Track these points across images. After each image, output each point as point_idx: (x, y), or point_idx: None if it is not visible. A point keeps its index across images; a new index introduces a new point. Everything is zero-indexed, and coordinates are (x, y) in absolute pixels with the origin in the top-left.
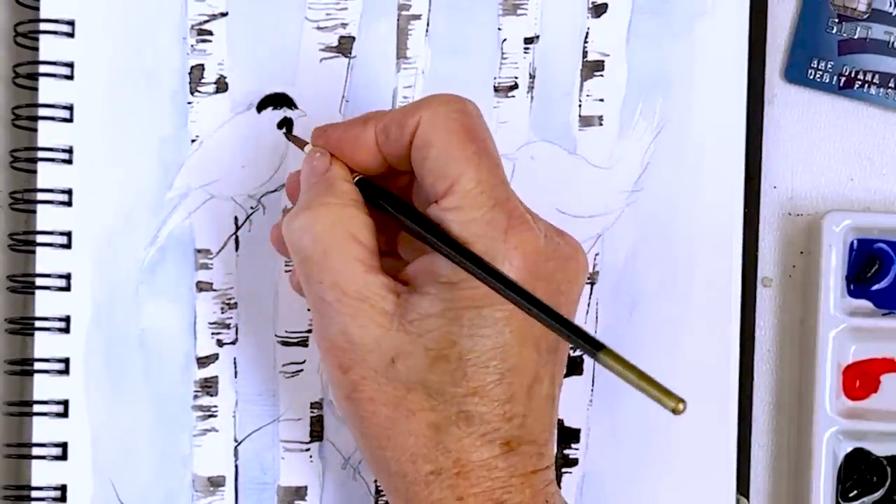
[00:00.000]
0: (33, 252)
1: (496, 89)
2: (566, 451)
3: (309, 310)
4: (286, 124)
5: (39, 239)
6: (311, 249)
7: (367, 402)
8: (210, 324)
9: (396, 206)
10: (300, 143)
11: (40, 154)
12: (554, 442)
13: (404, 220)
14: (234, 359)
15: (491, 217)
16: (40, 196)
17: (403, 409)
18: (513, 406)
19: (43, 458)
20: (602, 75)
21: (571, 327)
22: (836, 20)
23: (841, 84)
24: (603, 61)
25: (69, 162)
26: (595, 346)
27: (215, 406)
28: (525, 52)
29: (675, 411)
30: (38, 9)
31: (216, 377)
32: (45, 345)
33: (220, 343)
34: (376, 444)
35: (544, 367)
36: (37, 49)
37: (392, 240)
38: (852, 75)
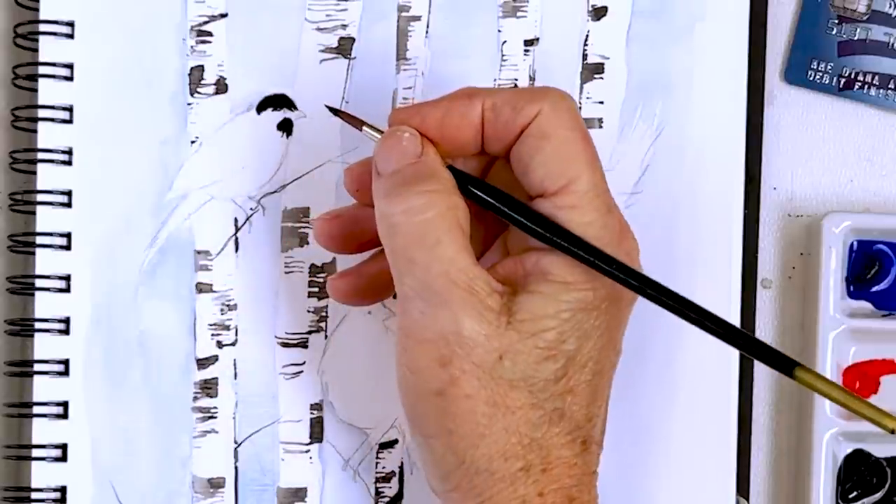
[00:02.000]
0: (33, 253)
1: None
2: None
3: (311, 311)
4: (286, 125)
5: (39, 240)
6: (422, 234)
7: (463, 398)
8: (210, 325)
9: (503, 199)
10: (356, 122)
11: (40, 155)
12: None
13: (514, 214)
14: (234, 360)
15: (606, 222)
16: (40, 197)
17: (503, 407)
18: (593, 407)
19: (43, 459)
20: (602, 78)
21: (762, 346)
22: (836, 21)
23: (841, 85)
24: (603, 64)
25: (69, 163)
26: (789, 364)
27: (215, 407)
28: (525, 55)
29: (894, 431)
30: (37, 10)
31: (216, 378)
32: (44, 346)
33: (219, 344)
34: (468, 443)
35: (612, 369)
36: (36, 50)
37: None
38: (852, 76)
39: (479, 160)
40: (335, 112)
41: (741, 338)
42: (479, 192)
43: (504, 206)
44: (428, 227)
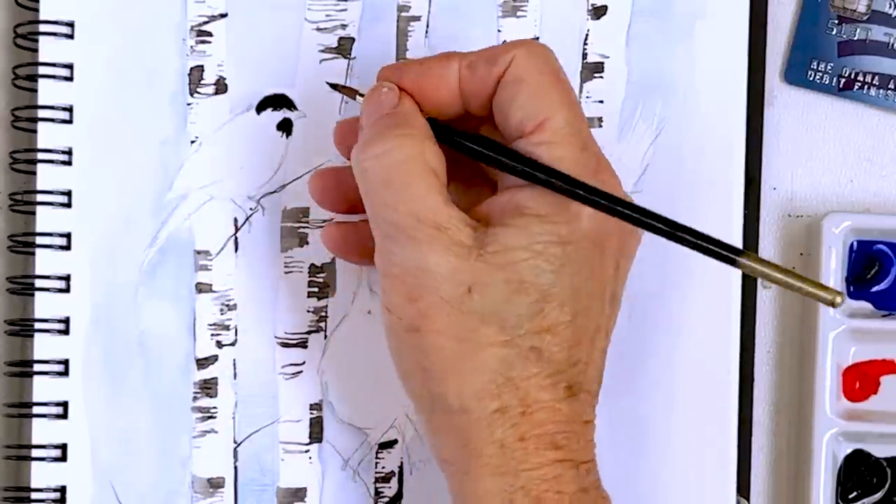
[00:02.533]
0: (33, 253)
1: None
2: None
3: (311, 311)
4: (286, 125)
5: (39, 240)
6: (390, 176)
7: (433, 333)
8: (209, 325)
9: (479, 141)
10: (350, 93)
11: (40, 155)
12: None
13: (491, 154)
14: (234, 360)
15: (580, 157)
16: (40, 197)
17: (473, 342)
18: (578, 351)
19: (42, 459)
20: (602, 77)
21: (704, 237)
22: (836, 21)
23: (841, 85)
24: (602, 63)
25: (69, 163)
26: (733, 252)
27: (215, 407)
28: None
29: (833, 304)
30: (37, 10)
31: (216, 378)
32: (44, 346)
33: (219, 344)
34: (438, 380)
35: (606, 319)
36: (36, 50)
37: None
38: (852, 77)
39: (465, 124)
40: (333, 86)
41: (688, 233)
42: (454, 138)
43: (478, 146)
44: (398, 168)
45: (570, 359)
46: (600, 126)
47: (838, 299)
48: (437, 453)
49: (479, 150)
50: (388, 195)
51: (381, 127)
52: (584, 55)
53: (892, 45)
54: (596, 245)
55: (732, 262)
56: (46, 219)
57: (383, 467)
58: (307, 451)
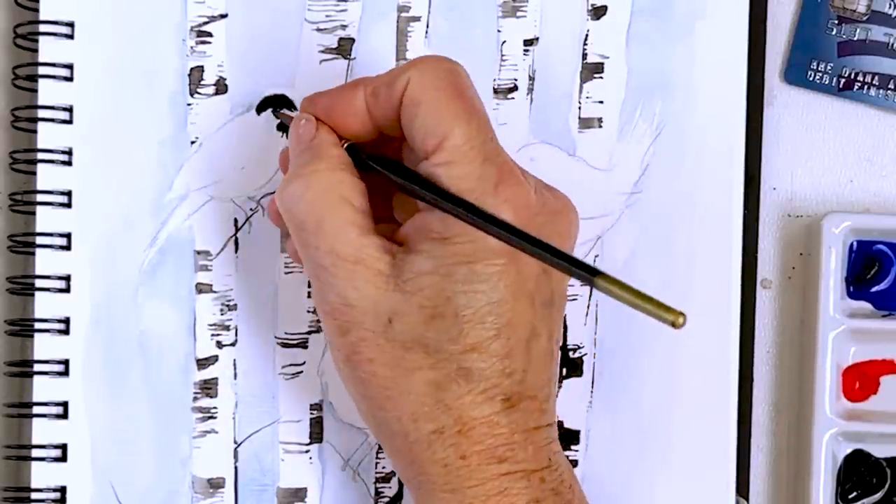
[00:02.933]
0: (33, 254)
1: (496, 91)
2: (566, 453)
3: (311, 311)
4: (286, 126)
5: (39, 240)
6: (304, 216)
7: (366, 363)
8: (210, 325)
9: (386, 165)
10: (290, 120)
11: (40, 155)
12: (554, 399)
13: (394, 177)
14: (234, 360)
15: (481, 172)
16: (40, 198)
17: (402, 369)
18: (511, 361)
19: (42, 459)
20: (602, 77)
21: (565, 256)
22: (836, 22)
23: (840, 85)
24: (602, 63)
25: (69, 163)
26: (590, 273)
27: (215, 408)
28: (525, 54)
29: (675, 325)
30: (37, 10)
31: (216, 379)
32: (44, 346)
33: (219, 345)
34: (377, 406)
35: (541, 322)
36: (36, 50)
37: (387, 205)
38: (852, 77)
39: (388, 145)
40: (276, 114)
41: (550, 251)
42: (369, 162)
43: (386, 170)
44: (310, 208)
45: (504, 371)
46: (600, 126)
47: (680, 320)
48: (396, 472)
49: (385, 173)
50: (308, 236)
51: (297, 165)
52: (584, 55)
53: (892, 45)
54: (509, 257)
55: (591, 283)
56: (46, 219)
57: (383, 467)
58: (307, 452)
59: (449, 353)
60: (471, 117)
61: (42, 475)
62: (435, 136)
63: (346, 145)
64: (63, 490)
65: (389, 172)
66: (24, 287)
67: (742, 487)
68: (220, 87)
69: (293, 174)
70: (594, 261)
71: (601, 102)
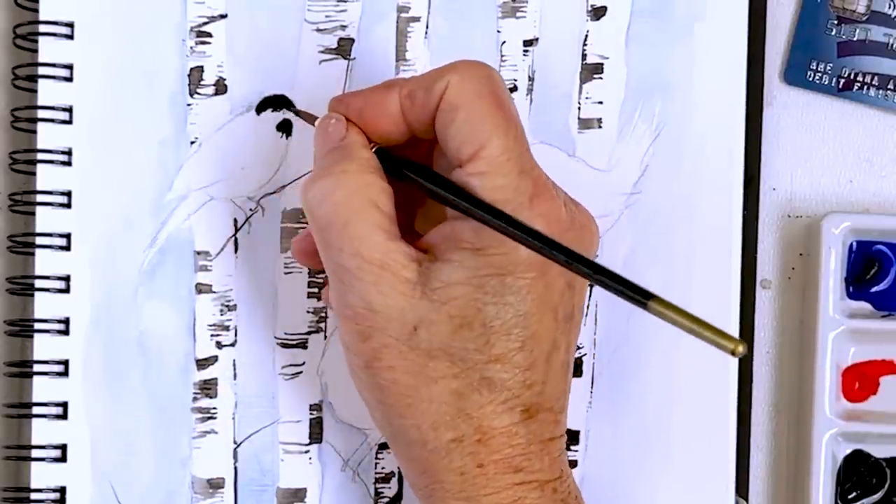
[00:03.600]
0: (32, 254)
1: None
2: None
3: (311, 311)
4: (285, 126)
5: (39, 241)
6: (331, 217)
7: (387, 370)
8: (209, 326)
9: (419, 172)
10: (310, 119)
11: (39, 156)
12: (567, 411)
13: (428, 185)
14: (234, 361)
15: (517, 184)
16: (39, 198)
17: (425, 377)
18: (533, 373)
19: (42, 459)
20: (601, 78)
21: (618, 279)
22: (836, 22)
23: (840, 86)
24: (602, 64)
25: (68, 164)
26: (644, 296)
27: (214, 408)
28: (524, 55)
29: (734, 353)
30: (37, 10)
31: (215, 379)
32: (44, 347)
33: (219, 345)
34: (396, 413)
35: (561, 335)
36: (36, 51)
37: (409, 215)
38: (851, 77)
39: (419, 149)
40: (295, 112)
41: (606, 275)
42: (401, 169)
43: (418, 177)
44: (339, 208)
45: (525, 382)
46: (600, 127)
47: (740, 348)
48: (406, 479)
49: (419, 180)
50: (333, 237)
51: (324, 164)
52: (584, 56)
53: (892, 45)
54: (538, 271)
55: (643, 305)
56: (46, 219)
57: (383, 468)
58: (307, 452)
59: (474, 363)
60: (509, 128)
61: (42, 475)
62: (472, 145)
63: (374, 149)
64: (63, 490)
65: (423, 179)
66: (23, 287)
67: (742, 487)
68: (220, 88)
69: (321, 172)
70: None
71: (601, 103)
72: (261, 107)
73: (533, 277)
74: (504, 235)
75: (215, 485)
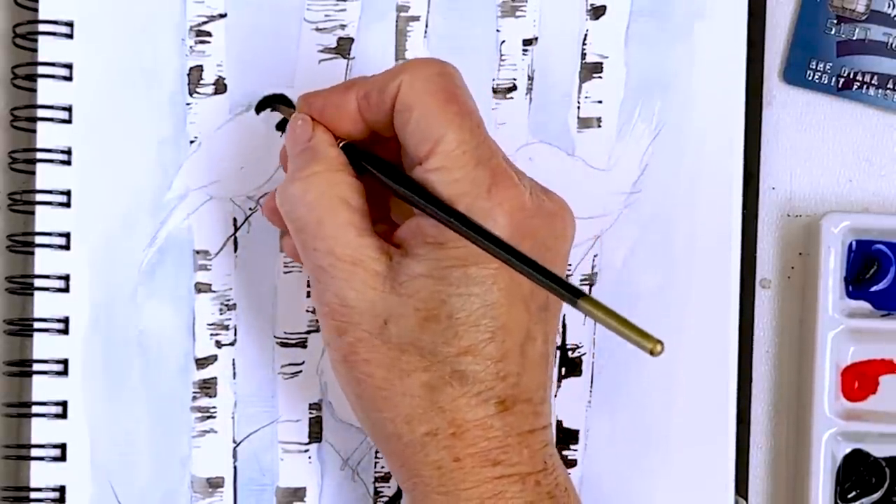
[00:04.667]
0: (32, 253)
1: (494, 91)
2: (565, 453)
3: (310, 311)
4: (285, 125)
5: (38, 240)
6: (305, 218)
7: (362, 364)
8: (209, 325)
9: (381, 168)
10: (290, 115)
11: (39, 155)
12: (550, 402)
13: (389, 181)
14: (233, 360)
15: (474, 176)
16: (39, 197)
17: (397, 371)
18: (506, 364)
19: (42, 459)
20: (601, 77)
21: (550, 276)
22: (835, 21)
23: (839, 85)
24: (601, 63)
25: (68, 163)
26: (574, 294)
27: (214, 407)
28: (524, 54)
29: (652, 353)
30: (36, 10)
31: (215, 378)
32: (43, 346)
33: (218, 344)
34: (372, 407)
35: (536, 326)
36: (35, 50)
37: (385, 205)
38: (851, 76)
39: (386, 145)
40: (277, 110)
41: (536, 269)
42: (364, 164)
43: (381, 173)
44: (310, 210)
45: (498, 374)
46: (599, 126)
47: (657, 348)
48: (392, 475)
49: (379, 177)
50: (308, 238)
51: (297, 166)
52: (583, 55)
53: (891, 44)
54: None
55: (574, 304)
56: (46, 219)
57: (382, 467)
58: (306, 451)
59: (443, 356)
60: (463, 121)
61: (41, 475)
62: (427, 142)
63: (342, 144)
64: (62, 490)
65: (384, 176)
66: (23, 287)
67: (741, 487)
68: (220, 87)
69: (292, 177)
70: (593, 260)
71: (600, 102)
72: (260, 106)
73: (497, 268)
74: (451, 230)
75: (215, 484)
